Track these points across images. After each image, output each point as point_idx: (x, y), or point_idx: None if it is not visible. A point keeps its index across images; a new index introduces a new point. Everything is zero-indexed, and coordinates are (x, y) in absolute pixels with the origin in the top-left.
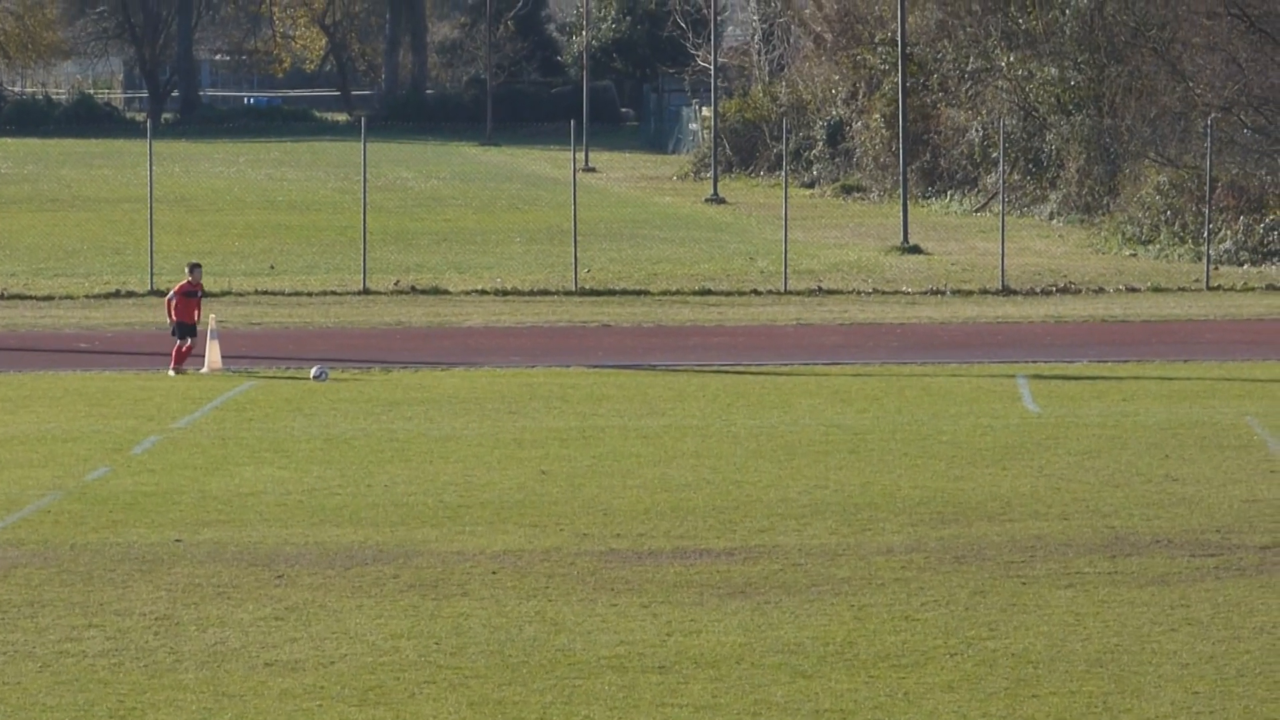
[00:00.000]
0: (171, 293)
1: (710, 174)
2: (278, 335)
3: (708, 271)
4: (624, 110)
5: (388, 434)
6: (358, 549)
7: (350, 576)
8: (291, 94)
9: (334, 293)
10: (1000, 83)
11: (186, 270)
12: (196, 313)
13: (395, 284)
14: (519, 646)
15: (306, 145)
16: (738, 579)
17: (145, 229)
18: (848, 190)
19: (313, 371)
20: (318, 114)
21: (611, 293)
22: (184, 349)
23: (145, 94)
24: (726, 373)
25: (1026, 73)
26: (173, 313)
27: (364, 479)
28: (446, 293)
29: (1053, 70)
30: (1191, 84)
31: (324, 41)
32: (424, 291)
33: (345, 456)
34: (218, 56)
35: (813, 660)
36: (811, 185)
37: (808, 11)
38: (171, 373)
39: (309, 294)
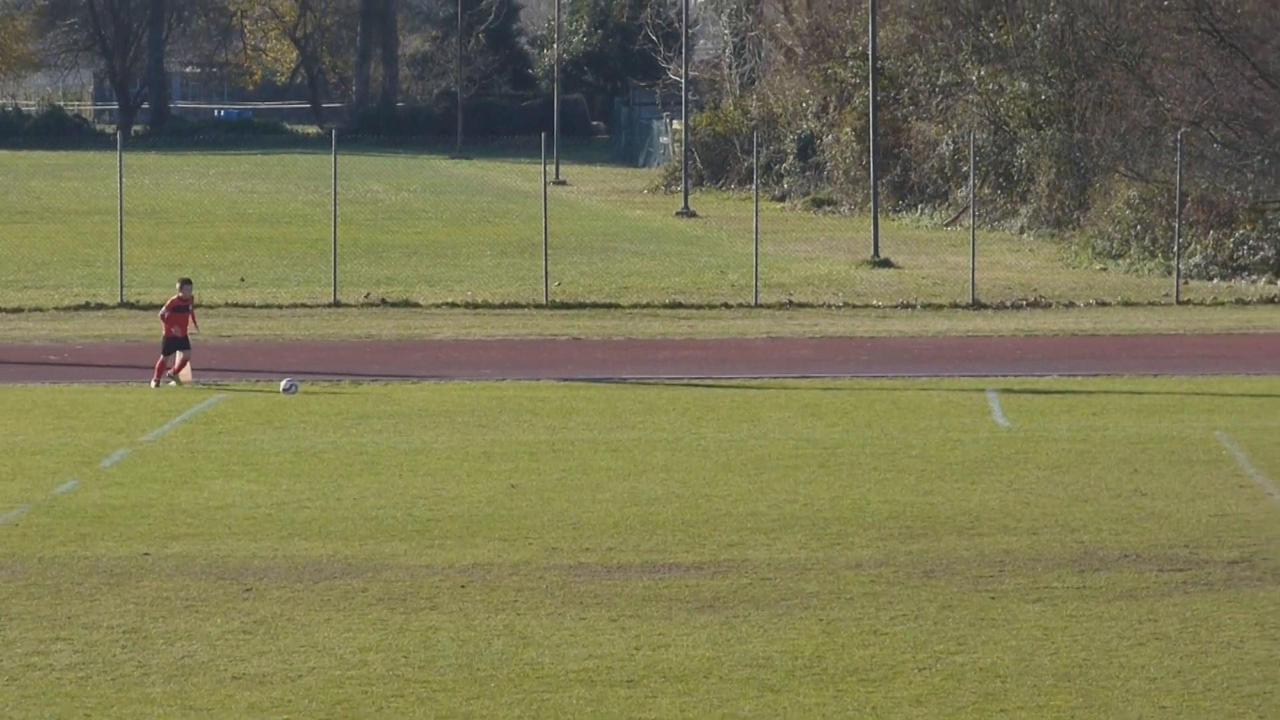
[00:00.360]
0: (164, 308)
1: (681, 187)
2: (247, 348)
3: (678, 285)
4: (595, 123)
5: (357, 447)
6: (326, 562)
7: (319, 590)
8: (262, 106)
9: (304, 305)
10: (971, 97)
11: (178, 286)
12: (188, 326)
13: (366, 297)
14: (487, 660)
15: (277, 158)
16: (706, 593)
17: (115, 241)
18: (818, 204)
19: (282, 384)
20: (288, 126)
21: (582, 306)
22: (166, 362)
23: (115, 106)
24: (696, 386)
25: (997, 87)
26: (166, 328)
27: (333, 492)
28: (417, 305)
29: (1023, 84)
30: (1162, 98)
31: (295, 54)
32: (394, 304)
33: (315, 469)
34: (188, 69)
35: (781, 674)
36: (782, 199)
37: (779, 25)
38: (154, 385)
39: (279, 306)
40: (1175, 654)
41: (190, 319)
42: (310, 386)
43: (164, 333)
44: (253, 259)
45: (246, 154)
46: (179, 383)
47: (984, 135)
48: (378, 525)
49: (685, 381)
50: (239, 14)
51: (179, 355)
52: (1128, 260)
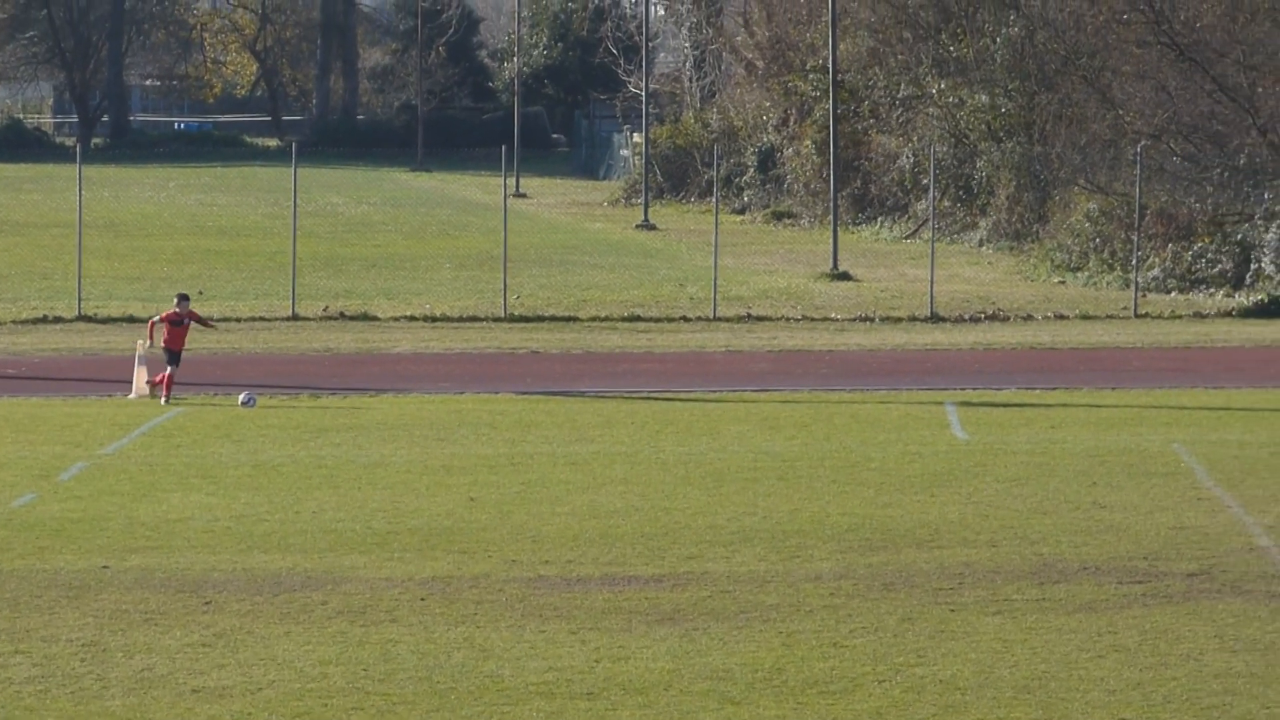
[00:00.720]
0: (157, 317)
1: (641, 200)
2: (206, 361)
3: (637, 298)
4: (555, 136)
5: (316, 460)
6: (286, 575)
7: (278, 603)
8: (222, 119)
9: (263, 318)
10: (931, 110)
11: (175, 301)
12: (182, 341)
13: (324, 310)
14: (447, 673)
15: (237, 170)
16: (666, 606)
17: (74, 254)
18: (778, 216)
19: (241, 397)
20: (248, 139)
21: (541, 319)
22: (167, 377)
23: (75, 119)
24: (655, 399)
25: (957, 100)
26: (151, 335)
27: (292, 505)
28: (376, 319)
29: (983, 97)
30: (1121, 112)
31: (255, 67)
32: (353, 318)
33: (273, 483)
34: (148, 81)
35: (741, 687)
36: (742, 211)
37: (739, 38)
38: (163, 400)
39: (238, 319)
40: (1134, 666)
41: (186, 330)
42: (268, 400)
43: (150, 339)
44: (212, 272)
45: (206, 167)
46: (154, 395)
47: (944, 148)
48: (337, 538)
49: (644, 395)
50: (199, 27)
51: (168, 369)
52: (1086, 273)
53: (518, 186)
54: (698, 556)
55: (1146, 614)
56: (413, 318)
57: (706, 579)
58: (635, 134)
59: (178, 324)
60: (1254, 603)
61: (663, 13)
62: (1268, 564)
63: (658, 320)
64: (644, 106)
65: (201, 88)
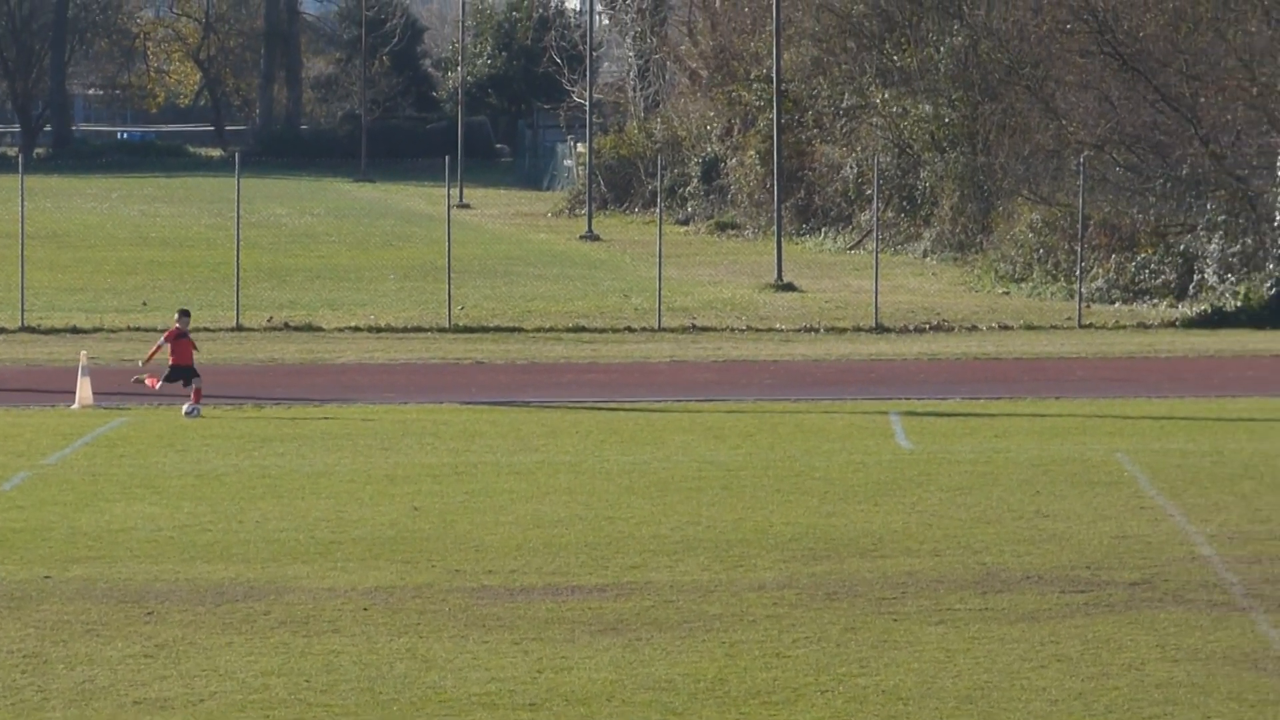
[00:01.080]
0: (162, 338)
1: (585, 211)
2: (150, 371)
3: (582, 309)
4: (499, 146)
5: (260, 470)
6: (229, 586)
7: (221, 613)
8: (166, 129)
9: (207, 329)
10: (875, 120)
11: (176, 316)
12: (190, 354)
13: (269, 320)
14: (390, 684)
15: (180, 181)
16: (609, 615)
17: (16, 265)
18: (722, 227)
19: (184, 408)
20: (192, 149)
21: (485, 330)
22: (196, 389)
23: (17, 128)
24: (600, 409)
25: (901, 110)
26: (159, 351)
27: (236, 515)
28: (320, 329)
29: (927, 107)
30: (1065, 122)
31: (198, 76)
32: (297, 328)
33: (217, 492)
34: (91, 91)
35: (684, 697)
36: (686, 222)
37: (683, 48)
38: (193, 410)
39: None
40: (1077, 676)
41: (191, 344)
42: (213, 410)
43: (170, 362)
44: (155, 283)
45: (149, 177)
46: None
47: (888, 158)
48: (280, 548)
49: (589, 405)
50: (142, 36)
51: (195, 382)
52: (1030, 284)
53: (461, 197)
54: (641, 566)
55: (1089, 623)
56: (357, 328)
57: (650, 589)
58: (579, 144)
59: (182, 336)
60: (1196, 612)
61: (607, 22)
62: (1210, 573)
63: (602, 331)
64: (588, 116)
65: (145, 97)
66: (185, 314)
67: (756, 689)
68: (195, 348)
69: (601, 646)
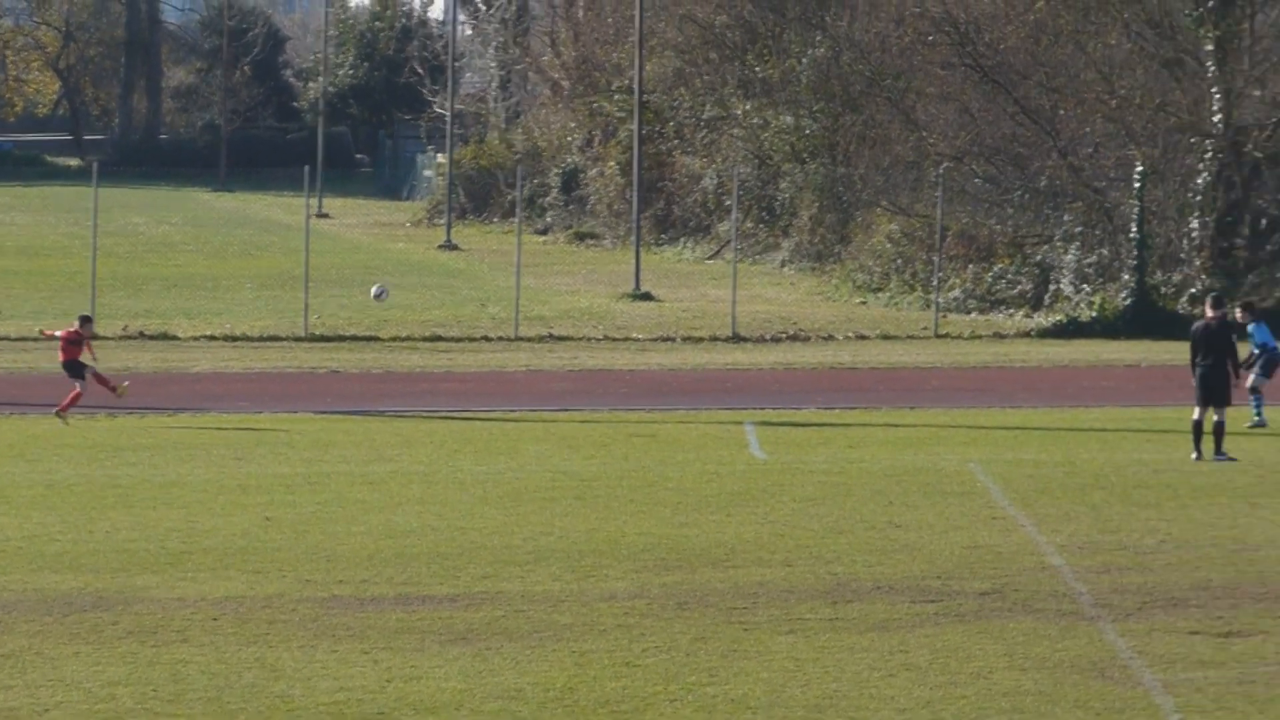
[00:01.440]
0: (58, 333)
1: (444, 221)
2: (2, 380)
3: (439, 318)
4: (360, 156)
5: (110, 480)
6: (77, 596)
7: (68, 623)
8: (23, 138)
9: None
10: (736, 131)
11: (78, 322)
12: (80, 355)
13: (124, 329)
14: (237, 693)
15: (37, 190)
16: (460, 625)
17: None
18: (581, 237)
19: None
20: (49, 158)
21: (341, 339)
22: (75, 394)
23: None
24: (455, 419)
25: (762, 121)
26: (50, 336)
27: (85, 525)
28: (175, 338)
29: (788, 119)
30: (925, 133)
31: (57, 85)
32: (152, 337)
33: (66, 502)
34: None
35: (533, 706)
36: (545, 232)
37: (546, 59)
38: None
39: (35, 339)
40: (925, 685)
41: (81, 350)
42: (59, 419)
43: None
44: (9, 291)
45: (6, 186)
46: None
47: (748, 169)
48: (130, 558)
49: (443, 414)
50: (1, 44)
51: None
52: (887, 294)
53: (320, 207)
54: (493, 576)
55: (938, 632)
56: (213, 337)
57: (501, 598)
58: (439, 154)
59: (75, 343)
60: (1044, 621)
61: (470, 32)
62: (1059, 583)
63: (459, 340)
64: (449, 126)
65: (2, 106)
66: (86, 320)
67: (605, 698)
68: (90, 352)
69: (451, 656)
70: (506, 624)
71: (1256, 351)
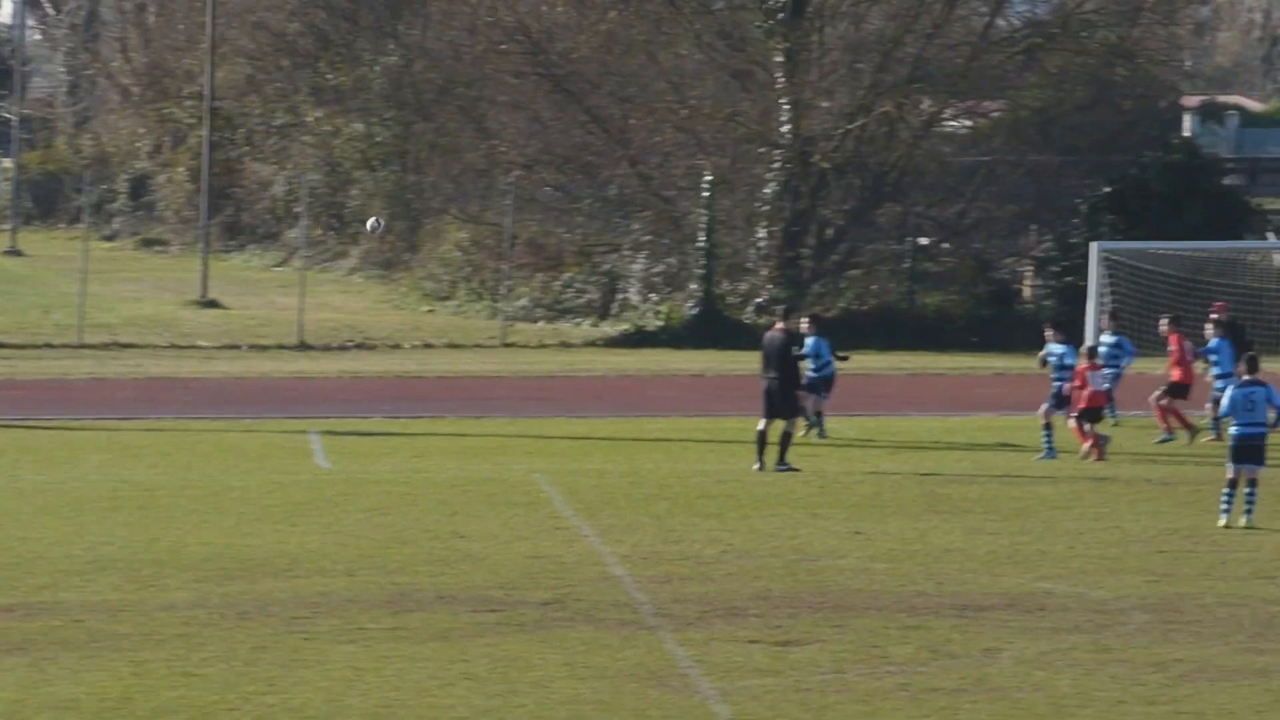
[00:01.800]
0: None
1: (9, 226)
2: None
3: (0, 325)
4: None
5: None
6: None
7: None
8: None
9: None
10: (307, 138)
11: None
12: None
13: None
14: None
15: None
16: (15, 636)
17: None
18: (149, 243)
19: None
20: None
21: None
22: None
23: None
24: (14, 428)
25: (333, 128)
26: None
27: None
28: None
29: (359, 126)
30: (496, 142)
31: None
32: None
33: None
34: None
35: (88, 716)
36: (113, 238)
37: (115, 64)
38: None
39: None
40: (484, 694)
41: None
42: None
43: None
44: None
45: None
46: None
47: (318, 176)
48: None
49: (3, 423)
50: None
51: None
52: (456, 302)
53: None
54: (51, 586)
55: (499, 642)
56: None
57: (59, 609)
58: (4, 159)
59: None
60: (605, 630)
61: (39, 36)
62: (621, 592)
63: (21, 347)
64: (15, 131)
65: None
66: None
67: (163, 707)
68: None
69: (5, 667)
70: (64, 634)
71: None
